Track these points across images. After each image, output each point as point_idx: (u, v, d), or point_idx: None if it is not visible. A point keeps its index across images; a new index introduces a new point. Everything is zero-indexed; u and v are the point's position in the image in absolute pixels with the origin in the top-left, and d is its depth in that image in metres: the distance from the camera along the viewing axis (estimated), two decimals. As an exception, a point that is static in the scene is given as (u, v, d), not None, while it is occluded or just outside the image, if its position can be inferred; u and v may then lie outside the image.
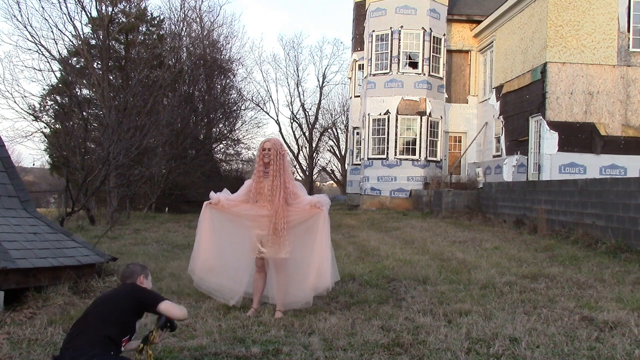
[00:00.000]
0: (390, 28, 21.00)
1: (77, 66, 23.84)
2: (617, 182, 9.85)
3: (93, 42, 23.69)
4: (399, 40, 20.87)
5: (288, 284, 5.31)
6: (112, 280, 6.25)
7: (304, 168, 50.69)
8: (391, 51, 20.99)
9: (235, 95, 33.59)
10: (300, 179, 49.94)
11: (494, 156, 20.00)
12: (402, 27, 20.83)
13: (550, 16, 15.86)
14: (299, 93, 64.73)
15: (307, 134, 49.94)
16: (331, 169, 53.06)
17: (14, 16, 26.53)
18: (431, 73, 21.01)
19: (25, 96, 24.58)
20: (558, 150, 15.78)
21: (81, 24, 32.78)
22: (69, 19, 23.27)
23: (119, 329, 3.23)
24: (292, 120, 50.17)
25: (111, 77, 23.58)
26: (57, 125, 21.44)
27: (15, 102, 33.36)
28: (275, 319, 5.04)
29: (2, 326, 4.64)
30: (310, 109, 50.10)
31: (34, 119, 21.96)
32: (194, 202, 26.34)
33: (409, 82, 20.84)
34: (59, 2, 23.55)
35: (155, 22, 26.76)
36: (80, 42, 22.51)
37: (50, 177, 26.72)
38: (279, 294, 5.29)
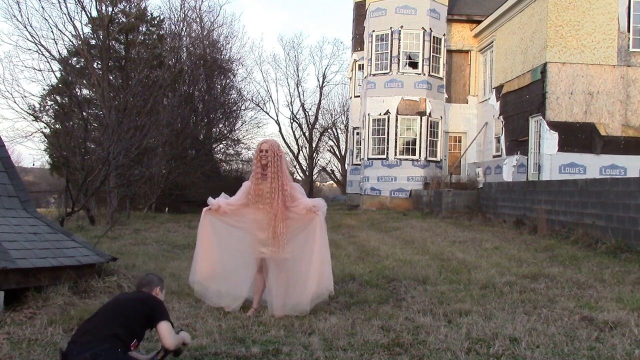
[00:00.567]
0: (390, 28, 21.00)
1: (77, 66, 23.84)
2: (617, 182, 9.85)
3: (93, 42, 23.69)
4: (399, 40, 20.87)
5: (288, 288, 5.24)
6: (112, 280, 6.24)
7: (304, 168, 50.70)
8: (391, 51, 20.99)
9: (235, 95, 33.65)
10: (300, 179, 49.96)
11: (494, 156, 20.00)
12: (402, 27, 20.83)
13: (550, 16, 15.86)
14: (299, 93, 64.80)
15: (307, 134, 49.94)
16: (331, 169, 53.11)
17: (14, 16, 26.56)
18: (431, 73, 21.01)
19: (25, 96, 24.61)
20: (558, 150, 15.78)
21: (81, 24, 32.79)
22: (69, 19, 23.28)
23: (128, 331, 3.21)
24: (292, 120, 50.21)
25: (111, 77, 23.58)
26: (57, 125, 21.44)
27: (15, 102, 33.42)
28: (274, 318, 5.03)
29: (2, 326, 4.63)
30: (310, 109, 50.15)
31: (34, 119, 21.97)
32: (194, 202, 26.35)
33: (409, 82, 20.84)
34: (59, 2, 23.57)
35: (155, 22, 26.76)
36: (80, 42, 22.51)
37: (50, 177, 26.72)
38: (278, 298, 5.19)
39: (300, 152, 50.61)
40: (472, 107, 22.27)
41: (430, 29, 20.87)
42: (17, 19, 26.75)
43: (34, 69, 34.61)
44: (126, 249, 9.53)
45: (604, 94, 15.93)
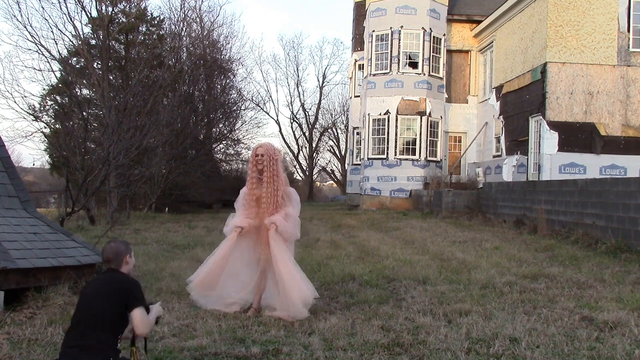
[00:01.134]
0: (390, 28, 21.00)
1: (77, 66, 23.84)
2: (617, 182, 9.85)
3: (93, 42, 23.69)
4: (399, 40, 20.87)
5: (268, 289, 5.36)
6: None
7: (304, 168, 50.71)
8: (391, 51, 20.99)
9: (235, 95, 33.67)
10: (300, 179, 49.97)
11: (494, 156, 20.00)
12: (402, 27, 20.82)
13: (550, 16, 15.86)
14: (299, 93, 64.86)
15: (307, 134, 49.96)
16: (331, 169, 53.13)
17: (14, 16, 26.54)
18: (431, 73, 21.01)
19: (25, 96, 24.62)
20: (558, 150, 15.78)
21: (81, 24, 32.83)
22: (69, 19, 23.30)
23: (114, 329, 3.14)
24: (292, 120, 50.26)
25: (111, 77, 23.58)
26: (57, 125, 21.43)
27: (15, 102, 33.41)
28: (274, 318, 5.04)
29: (2, 326, 4.64)
30: (310, 109, 50.18)
31: (34, 119, 21.98)
32: (194, 202, 26.39)
33: (409, 82, 20.84)
34: (59, 2, 23.57)
35: (155, 22, 26.76)
36: (80, 42, 22.51)
37: (50, 177, 26.72)
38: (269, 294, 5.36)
39: (300, 152, 50.66)
40: (472, 107, 22.27)
41: (430, 29, 20.86)
42: (17, 19, 26.78)
43: (34, 69, 34.66)
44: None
45: (604, 94, 15.93)
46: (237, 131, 34.27)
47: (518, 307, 5.43)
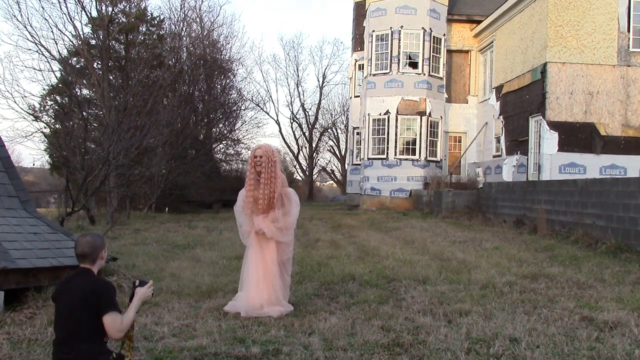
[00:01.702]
0: (390, 28, 21.00)
1: (77, 66, 23.85)
2: (617, 182, 9.85)
3: (93, 42, 23.70)
4: (399, 40, 20.87)
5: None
6: (112, 280, 6.24)
7: (304, 168, 50.70)
8: (391, 51, 20.99)
9: (235, 95, 33.68)
10: (300, 179, 49.97)
11: (494, 156, 20.00)
12: (402, 27, 20.82)
13: (550, 16, 15.86)
14: (299, 93, 64.86)
15: (307, 134, 49.95)
16: (331, 169, 53.12)
17: (14, 16, 26.56)
18: (431, 73, 21.00)
19: (25, 96, 24.65)
20: (558, 150, 15.78)
21: (81, 24, 32.86)
22: (69, 19, 23.34)
23: (99, 335, 3.05)
24: (292, 120, 50.24)
25: (111, 77, 23.59)
26: (57, 125, 21.44)
27: (15, 102, 33.45)
28: (274, 318, 5.04)
29: (2, 326, 4.64)
30: (310, 109, 50.17)
31: (34, 119, 21.99)
32: (194, 202, 26.40)
33: (409, 82, 20.83)
34: (59, 2, 23.59)
35: (155, 22, 26.77)
36: (80, 42, 22.52)
37: (50, 177, 26.72)
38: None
39: (300, 152, 50.64)
40: (472, 107, 22.27)
41: (430, 29, 20.86)
42: (17, 19, 26.83)
43: (34, 69, 34.71)
44: (126, 249, 9.53)
45: (604, 94, 15.93)
46: (237, 131, 34.33)
47: (518, 307, 5.43)
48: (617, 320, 4.79)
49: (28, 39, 23.07)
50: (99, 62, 22.98)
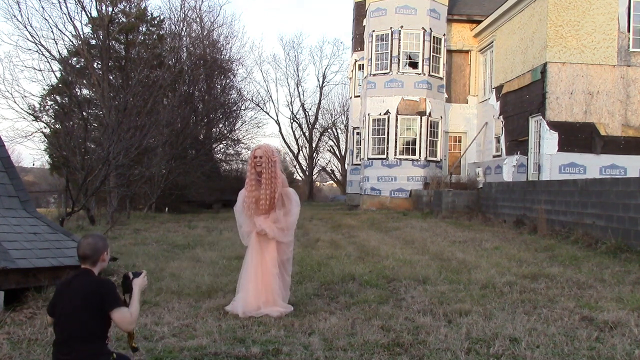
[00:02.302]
0: (390, 28, 21.00)
1: (77, 66, 23.86)
2: (617, 182, 9.85)
3: (93, 42, 23.70)
4: (399, 40, 20.87)
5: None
6: (112, 280, 6.24)
7: (304, 168, 50.71)
8: (391, 51, 20.99)
9: (235, 95, 33.69)
10: (300, 179, 49.98)
11: (494, 156, 19.99)
12: (402, 27, 20.82)
13: (550, 16, 15.86)
14: (299, 93, 64.92)
15: (307, 134, 49.96)
16: (331, 169, 53.12)
17: (14, 16, 26.55)
18: (431, 73, 21.00)
19: (25, 96, 24.65)
20: (558, 150, 15.78)
21: (81, 24, 32.88)
22: (69, 19, 23.34)
23: (100, 336, 3.06)
24: (292, 120, 50.25)
25: (111, 77, 23.59)
26: (57, 125, 21.44)
27: (15, 102, 33.47)
28: (274, 318, 5.04)
29: (2, 326, 4.64)
30: (310, 109, 50.18)
31: (34, 119, 21.99)
32: (194, 202, 26.40)
33: (409, 82, 20.83)
34: (59, 2, 23.59)
35: (155, 22, 26.78)
36: (80, 42, 22.53)
37: (50, 177, 26.72)
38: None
39: (300, 152, 50.64)
40: (472, 107, 22.27)
41: (430, 29, 20.86)
42: (17, 19, 26.81)
43: (34, 69, 34.69)
44: (126, 249, 9.53)
45: (604, 94, 15.93)
46: (237, 131, 34.33)
47: (518, 307, 5.43)
48: (617, 320, 4.79)
49: (28, 39, 23.10)
50: (99, 62, 22.99)
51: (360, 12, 25.22)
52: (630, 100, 15.99)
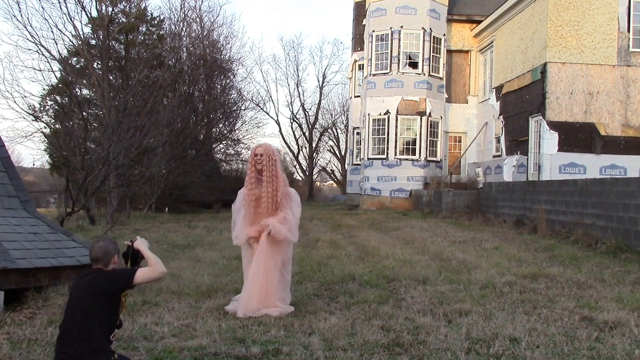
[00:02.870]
0: (390, 28, 21.00)
1: (77, 66, 23.86)
2: (617, 182, 9.85)
3: (93, 42, 23.70)
4: (399, 40, 20.87)
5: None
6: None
7: (304, 168, 50.71)
8: (391, 51, 20.99)
9: (235, 95, 33.69)
10: (300, 179, 49.98)
11: (494, 156, 20.00)
12: (402, 27, 20.82)
13: (550, 16, 15.86)
14: (299, 93, 64.87)
15: (307, 134, 49.96)
16: (331, 169, 53.12)
17: (14, 16, 26.57)
18: (431, 73, 21.00)
19: (25, 96, 24.65)
20: (558, 150, 15.78)
21: (81, 24, 32.82)
22: (69, 19, 23.33)
23: (105, 331, 3.11)
24: (292, 120, 50.25)
25: (111, 77, 23.60)
26: (57, 125, 21.45)
27: (15, 102, 33.49)
28: (274, 317, 5.04)
29: (2, 326, 4.64)
30: (310, 109, 50.18)
31: (34, 119, 22.00)
32: (194, 202, 26.41)
33: (409, 82, 20.83)
34: (59, 2, 23.59)
35: (155, 22, 26.78)
36: (80, 42, 22.53)
37: (50, 177, 26.73)
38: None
39: (300, 152, 50.64)
40: (472, 107, 22.27)
41: (430, 29, 20.86)
42: (17, 19, 26.79)
43: (34, 69, 34.70)
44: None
45: (604, 94, 15.93)
46: (237, 131, 34.33)
47: (518, 307, 5.43)
48: (617, 320, 4.79)
49: (28, 39, 23.10)
50: (99, 62, 22.99)
51: (360, 12, 25.22)
52: (630, 100, 15.99)
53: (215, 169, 29.22)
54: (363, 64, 23.66)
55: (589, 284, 6.59)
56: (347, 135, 38.81)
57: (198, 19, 30.40)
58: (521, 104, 17.64)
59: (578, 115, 15.90)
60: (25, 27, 23.18)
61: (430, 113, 20.89)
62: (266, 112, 52.37)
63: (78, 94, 22.37)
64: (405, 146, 20.91)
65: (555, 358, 3.95)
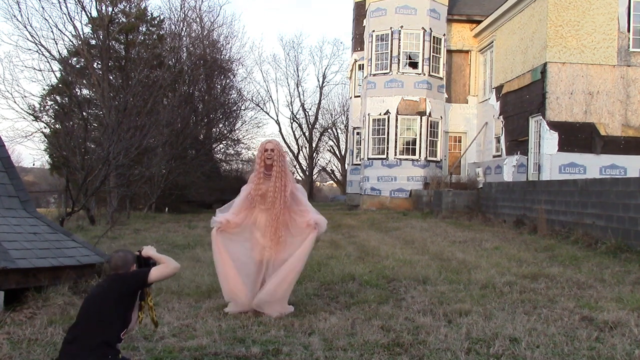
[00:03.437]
0: (390, 28, 21.00)
1: (77, 66, 23.85)
2: (617, 182, 9.84)
3: (93, 42, 23.70)
4: (399, 40, 20.87)
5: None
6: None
7: (304, 168, 50.71)
8: (391, 51, 20.99)
9: (235, 95, 33.66)
10: (300, 179, 49.97)
11: (494, 156, 20.00)
12: (402, 27, 20.82)
13: (550, 16, 15.86)
14: (299, 93, 64.85)
15: (307, 134, 49.96)
16: (331, 169, 53.11)
17: (14, 16, 26.54)
18: (431, 73, 21.00)
19: (25, 96, 24.63)
20: (558, 150, 15.78)
21: (81, 24, 32.85)
22: (69, 19, 23.32)
23: (115, 326, 3.19)
24: (292, 120, 50.26)
25: (111, 77, 23.59)
26: (57, 125, 21.44)
27: (15, 102, 33.53)
28: (274, 317, 5.03)
29: (2, 326, 4.64)
30: (310, 109, 50.18)
31: (34, 119, 21.99)
32: (194, 202, 26.39)
33: (409, 82, 20.83)
34: (59, 2, 23.59)
35: (155, 22, 26.77)
36: (80, 42, 22.52)
37: (50, 177, 26.72)
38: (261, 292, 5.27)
39: (300, 152, 50.64)
40: (472, 107, 22.27)
41: (430, 29, 20.86)
42: (17, 19, 26.77)
43: (34, 69, 34.68)
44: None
45: (604, 94, 15.93)
46: (237, 131, 34.31)
47: (518, 307, 5.43)
48: (617, 320, 4.79)
49: (28, 39, 23.10)
50: (99, 62, 22.98)
51: (360, 12, 25.22)
52: (630, 100, 15.99)
53: (215, 169, 29.21)
54: (363, 64, 23.66)
55: (589, 284, 6.59)
56: (347, 135, 38.82)
57: (198, 19, 30.41)
58: (521, 104, 17.64)
59: (578, 115, 15.90)
60: (25, 27, 23.20)
61: (430, 113, 20.89)
62: (266, 112, 52.39)
63: (78, 94, 22.37)
64: (405, 146, 20.91)
65: (555, 358, 3.95)
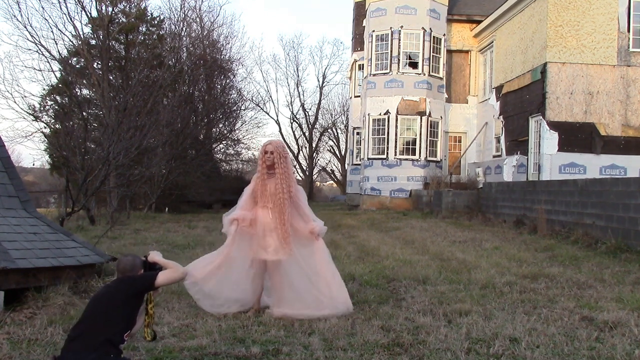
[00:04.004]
0: (390, 28, 21.00)
1: (77, 66, 23.84)
2: (617, 182, 9.85)
3: (93, 42, 23.69)
4: (399, 40, 20.88)
5: (287, 290, 5.21)
6: (112, 280, 6.24)
7: (304, 168, 50.71)
8: (391, 51, 20.99)
9: (235, 95, 33.67)
10: (300, 179, 49.98)
11: (494, 156, 20.00)
12: (402, 27, 20.83)
13: (550, 16, 15.86)
14: (299, 93, 64.86)
15: (307, 134, 49.96)
16: (331, 169, 53.13)
17: (14, 16, 26.53)
18: (431, 73, 21.01)
19: (25, 96, 24.63)
20: (558, 150, 15.78)
21: (81, 24, 32.81)
22: (69, 19, 23.31)
23: (119, 327, 3.21)
24: (292, 120, 50.26)
25: (111, 77, 23.58)
26: (57, 125, 21.44)
27: (15, 102, 33.55)
28: (274, 317, 5.03)
29: (2, 326, 4.63)
30: (310, 109, 50.18)
31: (34, 119, 21.99)
32: (194, 202, 26.40)
33: (409, 82, 20.84)
34: (59, 2, 23.57)
35: (155, 22, 26.76)
36: (80, 42, 22.52)
37: (50, 177, 26.73)
38: (275, 293, 5.27)
39: (300, 152, 50.64)
40: (472, 107, 22.27)
41: (430, 29, 20.86)
42: (17, 19, 26.78)
43: (34, 69, 34.67)
44: (126, 249, 9.53)
45: (604, 94, 15.93)
46: (237, 131, 34.32)
47: (518, 307, 5.43)
48: (617, 320, 4.79)
49: (28, 39, 23.10)
50: (99, 62, 22.97)
51: (360, 12, 25.23)
52: (630, 100, 15.99)
53: (215, 169, 29.21)
54: (363, 64, 23.66)
55: (589, 284, 6.59)
56: (347, 135, 38.82)
57: (198, 19, 30.41)
58: (521, 104, 17.64)
59: (578, 115, 15.91)
60: (25, 27, 23.14)
61: (430, 113, 20.90)
62: (266, 112, 52.44)
63: (78, 94, 22.37)
64: (405, 146, 20.92)
65: (555, 358, 3.95)
